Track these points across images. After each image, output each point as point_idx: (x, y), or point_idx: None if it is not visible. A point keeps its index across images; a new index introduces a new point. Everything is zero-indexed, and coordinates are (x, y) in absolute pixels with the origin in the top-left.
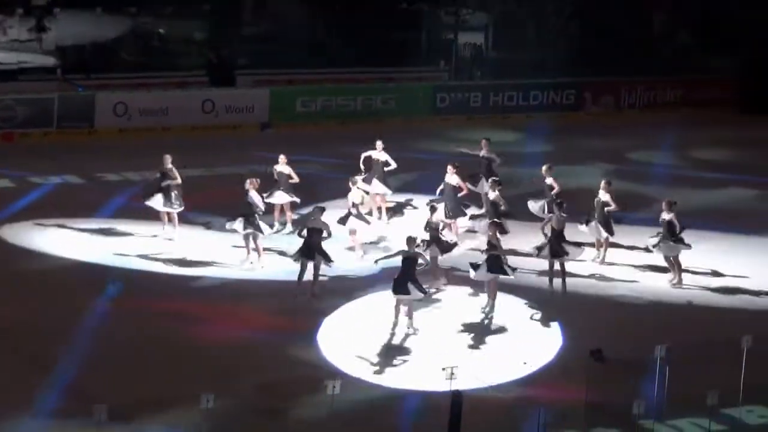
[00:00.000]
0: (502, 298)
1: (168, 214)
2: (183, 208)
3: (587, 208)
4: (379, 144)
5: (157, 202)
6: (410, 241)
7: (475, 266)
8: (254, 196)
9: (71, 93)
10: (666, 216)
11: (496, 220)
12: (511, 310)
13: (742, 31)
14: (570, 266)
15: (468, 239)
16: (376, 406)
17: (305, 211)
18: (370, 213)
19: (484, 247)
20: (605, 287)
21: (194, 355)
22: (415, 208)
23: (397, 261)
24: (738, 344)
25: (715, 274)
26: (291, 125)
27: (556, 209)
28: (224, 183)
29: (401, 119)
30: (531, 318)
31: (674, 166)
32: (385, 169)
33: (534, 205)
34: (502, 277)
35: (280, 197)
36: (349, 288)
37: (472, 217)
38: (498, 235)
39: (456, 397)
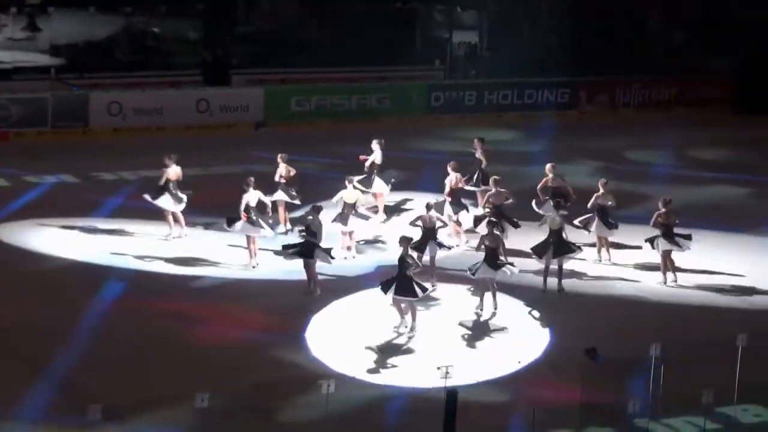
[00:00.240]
0: (498, 296)
1: (174, 213)
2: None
3: (582, 206)
4: (374, 145)
5: (166, 202)
6: (404, 240)
7: (474, 268)
8: (253, 195)
9: (65, 92)
10: (663, 214)
11: (492, 218)
12: (507, 309)
13: (738, 30)
14: (570, 266)
15: (471, 238)
16: (371, 406)
17: (302, 211)
18: (375, 211)
19: (482, 245)
20: (602, 286)
21: (191, 354)
22: (409, 209)
23: (393, 261)
24: (733, 343)
25: (711, 272)
26: (286, 124)
27: (553, 209)
28: (219, 182)
29: (396, 118)
30: (530, 313)
31: (669, 165)
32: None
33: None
34: (500, 276)
35: (281, 195)
36: (344, 287)
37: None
38: (495, 232)
39: (451, 395)
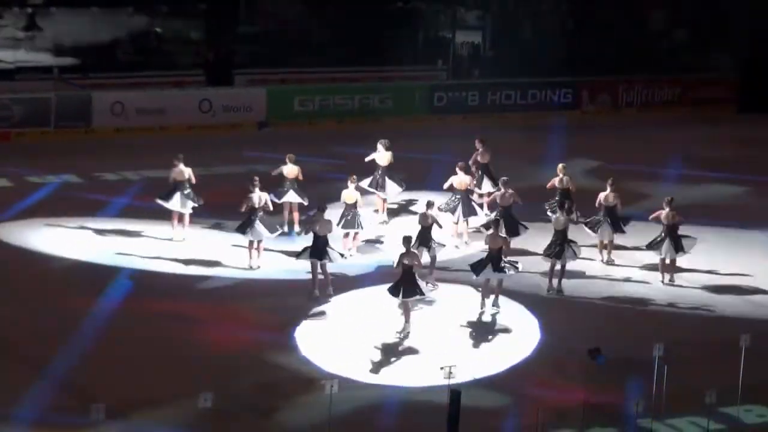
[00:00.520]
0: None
1: (180, 215)
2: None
3: (587, 206)
4: (379, 146)
5: (173, 203)
6: (406, 241)
7: (477, 266)
8: (259, 196)
9: (68, 92)
10: (667, 215)
11: (497, 217)
12: (509, 309)
13: (741, 29)
14: (572, 266)
15: (477, 240)
16: (374, 406)
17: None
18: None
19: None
20: (605, 286)
21: (194, 354)
22: (410, 210)
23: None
24: (736, 343)
25: (715, 272)
26: (289, 124)
27: (559, 210)
28: (223, 183)
29: (398, 118)
30: (532, 313)
31: (672, 165)
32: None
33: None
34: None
35: (290, 196)
36: (345, 287)
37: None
38: (500, 233)
39: (454, 395)
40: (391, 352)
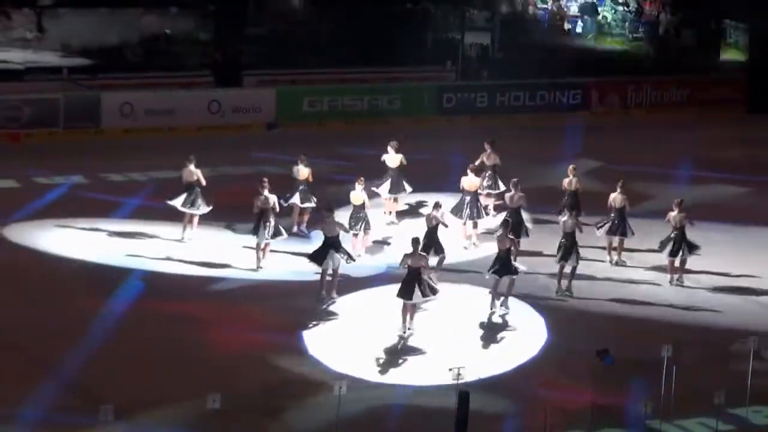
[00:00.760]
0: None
1: (190, 216)
2: (209, 208)
3: (596, 207)
4: (390, 148)
5: (183, 204)
6: (415, 242)
7: (493, 268)
8: (267, 197)
9: (77, 93)
10: (676, 217)
11: (507, 219)
12: (518, 310)
13: (750, 29)
14: (581, 268)
15: (487, 241)
16: (381, 406)
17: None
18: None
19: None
20: (613, 287)
21: (202, 355)
22: (421, 214)
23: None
24: (745, 344)
25: (723, 273)
26: (297, 125)
27: (567, 212)
28: (232, 183)
29: (407, 119)
30: (539, 314)
31: (681, 166)
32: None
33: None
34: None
35: (296, 200)
36: (353, 288)
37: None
38: (509, 234)
39: (463, 396)
40: (399, 352)
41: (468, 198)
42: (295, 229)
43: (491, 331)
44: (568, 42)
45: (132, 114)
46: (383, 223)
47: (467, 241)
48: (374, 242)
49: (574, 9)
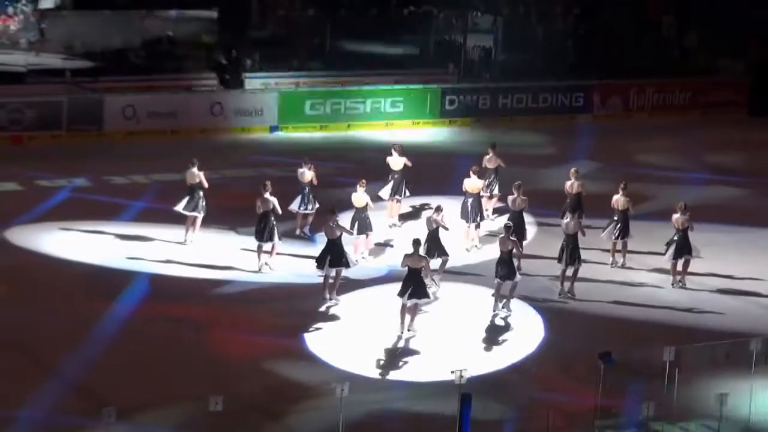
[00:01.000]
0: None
1: (194, 218)
2: (205, 212)
3: (597, 210)
4: (393, 151)
5: (184, 206)
6: (415, 243)
7: (498, 273)
8: (269, 199)
9: (80, 96)
10: (679, 219)
11: (509, 223)
12: (520, 311)
13: (751, 32)
14: (584, 270)
15: (489, 243)
16: (384, 408)
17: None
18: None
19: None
20: (616, 290)
21: (205, 358)
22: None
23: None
24: (747, 347)
25: (725, 275)
26: (300, 128)
27: (569, 214)
28: (234, 186)
29: (410, 122)
30: (541, 316)
31: (684, 168)
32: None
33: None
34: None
35: (295, 204)
36: (356, 290)
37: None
38: (512, 237)
39: (465, 398)
40: (401, 354)
41: (470, 200)
42: (298, 231)
43: (493, 333)
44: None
45: (135, 116)
46: (385, 226)
47: (469, 243)
48: (376, 244)
49: None
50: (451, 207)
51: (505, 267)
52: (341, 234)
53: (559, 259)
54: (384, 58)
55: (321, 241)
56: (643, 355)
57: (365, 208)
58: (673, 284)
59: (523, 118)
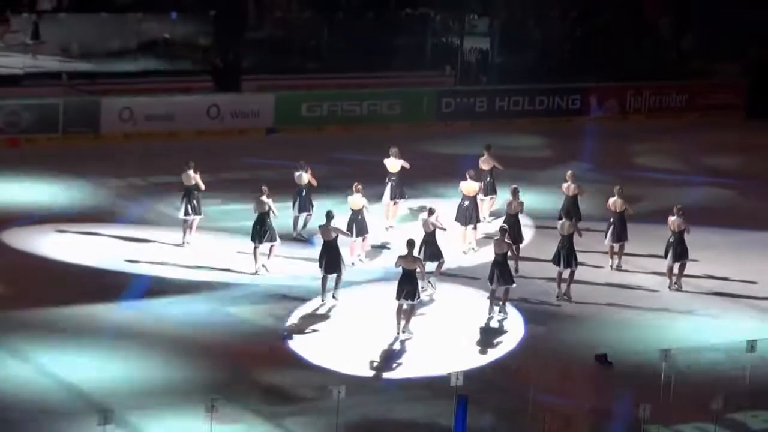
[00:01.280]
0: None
1: (191, 220)
2: (202, 215)
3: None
4: (392, 153)
5: (183, 212)
6: (409, 244)
7: (492, 277)
8: (265, 202)
9: (76, 98)
10: (675, 222)
11: (504, 226)
12: (516, 315)
13: (749, 34)
14: (581, 273)
15: (486, 246)
16: (380, 410)
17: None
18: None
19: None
20: (613, 292)
21: (200, 360)
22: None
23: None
24: (743, 349)
25: (722, 278)
26: (297, 130)
27: (564, 217)
28: (231, 189)
29: (406, 124)
30: (536, 319)
31: (680, 171)
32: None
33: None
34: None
35: (300, 207)
36: (351, 292)
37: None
38: (507, 240)
39: (461, 400)
40: (397, 356)
41: (467, 203)
42: (294, 234)
43: (489, 336)
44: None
45: (131, 119)
46: (382, 228)
47: (466, 246)
48: (373, 247)
49: None
50: (447, 210)
51: (500, 270)
52: (337, 236)
53: (556, 262)
54: (381, 61)
55: (318, 243)
56: (639, 358)
57: (361, 210)
58: (669, 287)
59: (520, 121)
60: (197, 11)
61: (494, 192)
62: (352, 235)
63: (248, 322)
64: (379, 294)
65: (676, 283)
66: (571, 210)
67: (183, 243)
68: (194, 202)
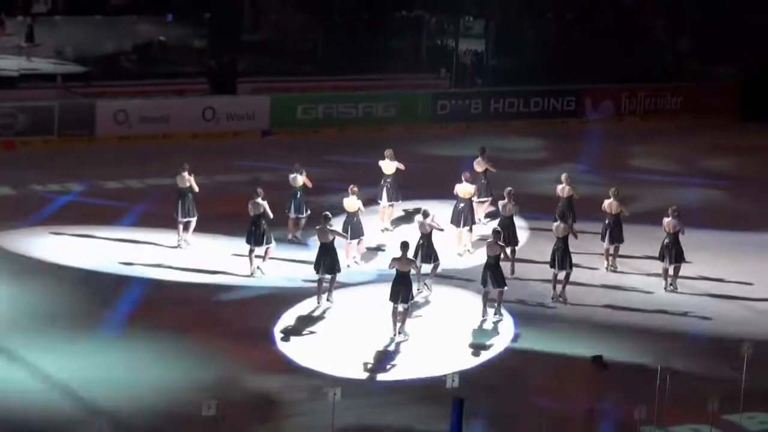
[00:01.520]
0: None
1: (186, 223)
2: (197, 216)
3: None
4: (386, 155)
5: (179, 215)
6: (403, 245)
7: (484, 280)
8: (260, 204)
9: (72, 100)
10: (670, 223)
11: (497, 228)
12: (511, 317)
13: (743, 37)
14: (576, 274)
15: (481, 248)
16: (376, 413)
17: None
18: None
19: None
20: (608, 294)
21: (196, 362)
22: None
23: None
24: (739, 350)
25: (716, 279)
26: (292, 132)
27: (559, 219)
28: (226, 191)
29: (401, 127)
30: (531, 322)
31: (675, 173)
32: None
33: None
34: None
35: (296, 209)
36: (346, 294)
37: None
38: (500, 243)
39: (457, 403)
40: (392, 358)
41: (462, 205)
42: (289, 236)
43: (484, 338)
44: None
45: (126, 121)
46: (377, 230)
47: (462, 248)
48: (368, 249)
49: None
50: (442, 212)
51: (492, 273)
52: (334, 238)
53: (551, 264)
54: (376, 63)
55: (314, 245)
56: (634, 359)
57: (357, 212)
58: (665, 288)
59: (515, 123)
60: (192, 14)
61: (489, 194)
62: (347, 237)
63: (244, 325)
64: (373, 296)
65: (671, 284)
66: (566, 212)
67: (178, 244)
68: (188, 204)
